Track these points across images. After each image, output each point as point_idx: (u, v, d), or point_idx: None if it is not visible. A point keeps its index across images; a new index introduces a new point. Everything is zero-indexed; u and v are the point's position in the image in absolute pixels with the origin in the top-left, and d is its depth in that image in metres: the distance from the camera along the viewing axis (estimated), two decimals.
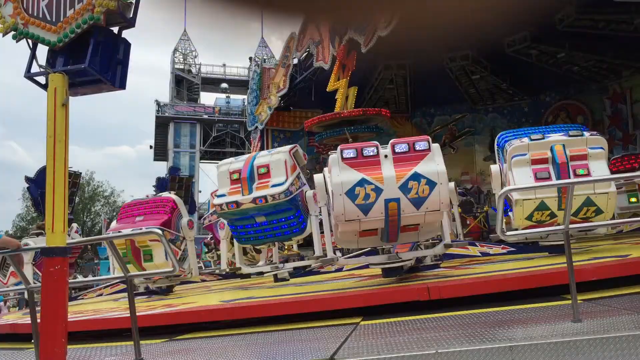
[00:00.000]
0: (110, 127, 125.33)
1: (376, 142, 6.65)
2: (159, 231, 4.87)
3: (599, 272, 5.69)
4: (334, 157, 6.54)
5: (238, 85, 53.39)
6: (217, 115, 52.26)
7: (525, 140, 7.43)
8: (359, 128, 17.79)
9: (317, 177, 7.30)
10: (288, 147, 8.98)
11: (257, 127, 24.00)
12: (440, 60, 21.23)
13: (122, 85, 5.18)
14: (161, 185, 21.97)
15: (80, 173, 19.02)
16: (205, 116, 51.96)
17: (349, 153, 6.46)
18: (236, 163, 8.93)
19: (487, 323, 4.58)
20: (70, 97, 4.89)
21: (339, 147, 6.57)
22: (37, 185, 14.93)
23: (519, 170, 7.19)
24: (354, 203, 6.24)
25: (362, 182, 6.27)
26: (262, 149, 23.88)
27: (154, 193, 22.45)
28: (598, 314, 4.39)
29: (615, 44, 18.58)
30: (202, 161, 51.74)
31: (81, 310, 9.22)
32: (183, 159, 49.62)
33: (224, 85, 55.92)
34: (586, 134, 7.45)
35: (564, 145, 7.18)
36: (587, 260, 6.51)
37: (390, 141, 6.62)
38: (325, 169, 7.08)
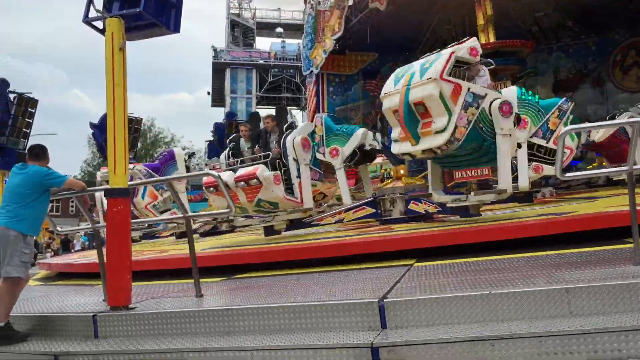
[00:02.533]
0: (168, 74, 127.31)
1: None
2: (215, 173, 4.97)
3: None
4: None
5: (293, 29, 52.86)
6: (272, 61, 52.15)
7: None
8: (504, 60, 17.07)
9: None
10: (439, 65, 6.57)
11: (312, 71, 23.78)
12: None
13: (177, 29, 5.22)
14: (219, 129, 22.28)
15: (142, 119, 19.47)
16: (261, 61, 51.94)
17: None
18: (393, 96, 7.00)
19: (543, 266, 4.51)
20: (127, 42, 4.98)
21: None
22: (101, 130, 15.44)
23: None
24: None
25: None
26: (317, 93, 23.74)
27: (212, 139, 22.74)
28: None
29: None
30: (258, 106, 52.09)
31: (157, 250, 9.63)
32: (240, 104, 50.05)
33: (279, 29, 55.49)
34: None
35: None
36: None
37: None
38: None
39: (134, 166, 12.11)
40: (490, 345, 3.26)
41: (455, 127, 6.33)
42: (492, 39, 16.33)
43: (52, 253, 24.90)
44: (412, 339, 3.43)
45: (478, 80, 6.88)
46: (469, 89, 6.50)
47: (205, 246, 8.91)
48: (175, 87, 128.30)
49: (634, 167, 4.17)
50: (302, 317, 3.98)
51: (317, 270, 6.02)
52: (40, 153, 5.12)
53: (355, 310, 3.84)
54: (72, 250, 23.01)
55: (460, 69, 6.73)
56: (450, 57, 6.47)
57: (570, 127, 4.51)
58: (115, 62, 4.83)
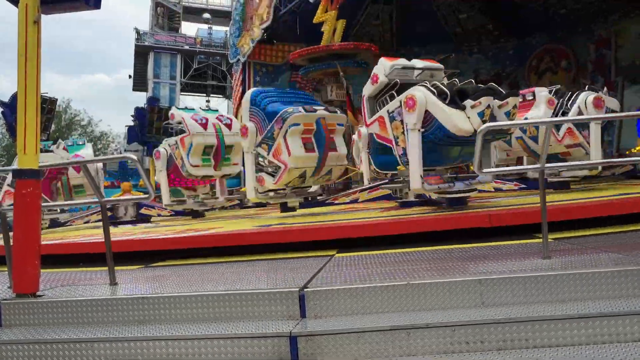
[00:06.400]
0: (86, 54, 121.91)
1: None
2: (134, 157, 4.80)
3: (570, 213, 5.80)
4: None
5: (221, 15, 51.95)
6: (198, 47, 51.01)
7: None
8: (347, 62, 17.54)
9: None
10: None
11: (239, 59, 23.49)
12: None
13: (97, 5, 4.98)
14: (140, 115, 21.63)
15: (56, 99, 18.55)
16: (187, 47, 50.71)
17: None
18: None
19: (458, 258, 4.67)
20: (43, 16, 4.71)
21: None
22: (11, 109, 14.59)
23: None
24: None
25: None
26: (243, 82, 23.46)
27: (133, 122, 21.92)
28: (568, 252, 4.49)
29: None
30: (182, 93, 50.86)
31: (67, 236, 9.21)
32: (163, 90, 48.65)
33: (207, 15, 54.36)
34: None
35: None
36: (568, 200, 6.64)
37: None
38: None
39: None
40: (406, 334, 3.33)
41: None
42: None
43: None
44: (330, 329, 3.45)
45: None
46: None
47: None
48: (93, 68, 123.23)
49: (546, 165, 4.37)
50: (221, 306, 3.91)
51: (239, 260, 5.95)
52: None
53: (275, 300, 3.82)
54: None
55: None
56: None
57: (489, 124, 4.66)
58: (28, 35, 4.55)
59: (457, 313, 3.49)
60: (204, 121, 10.97)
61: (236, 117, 24.26)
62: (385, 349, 3.33)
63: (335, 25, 17.33)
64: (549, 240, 4.40)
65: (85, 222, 12.53)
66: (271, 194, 9.04)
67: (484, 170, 4.54)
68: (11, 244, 4.73)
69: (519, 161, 10.23)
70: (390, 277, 4.00)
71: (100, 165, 12.16)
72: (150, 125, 21.26)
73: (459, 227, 5.96)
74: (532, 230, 5.53)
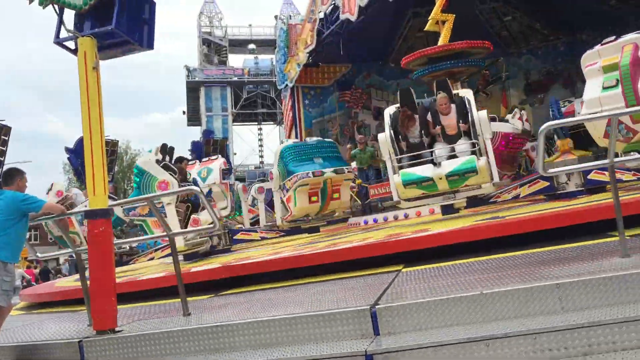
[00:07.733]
0: (141, 95, 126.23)
1: None
2: (198, 189, 4.91)
3: None
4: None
5: (265, 45, 52.98)
6: (246, 77, 52.11)
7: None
8: (464, 62, 17.16)
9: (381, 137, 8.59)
10: None
11: (287, 85, 23.80)
12: (470, 3, 20.50)
13: (150, 46, 5.17)
14: (197, 148, 22.12)
15: (118, 141, 19.23)
16: (235, 78, 51.89)
17: None
18: None
19: (531, 263, 4.52)
20: (100, 61, 4.91)
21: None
22: (77, 155, 15.19)
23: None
24: None
25: None
26: (293, 107, 23.75)
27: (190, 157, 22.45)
28: None
29: None
30: (234, 124, 51.93)
31: (132, 272, 9.48)
32: (216, 122, 49.80)
33: (252, 46, 55.60)
34: None
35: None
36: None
37: None
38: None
39: None
40: (485, 345, 3.24)
41: None
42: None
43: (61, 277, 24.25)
44: (406, 344, 3.40)
45: None
46: None
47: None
48: (149, 108, 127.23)
49: (615, 160, 4.20)
50: (293, 330, 3.92)
51: (305, 282, 5.96)
52: (14, 176, 5.01)
53: (347, 319, 3.80)
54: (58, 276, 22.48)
55: None
56: None
57: (550, 122, 4.53)
58: (89, 81, 4.76)
59: (536, 320, 3.37)
60: None
61: (289, 138, 24.59)
62: None
63: (442, 28, 16.91)
64: (626, 237, 4.21)
65: (149, 260, 12.76)
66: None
67: (549, 170, 4.40)
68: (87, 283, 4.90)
69: None
70: (462, 288, 3.91)
71: (82, 199, 11.99)
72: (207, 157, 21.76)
73: None
74: None
